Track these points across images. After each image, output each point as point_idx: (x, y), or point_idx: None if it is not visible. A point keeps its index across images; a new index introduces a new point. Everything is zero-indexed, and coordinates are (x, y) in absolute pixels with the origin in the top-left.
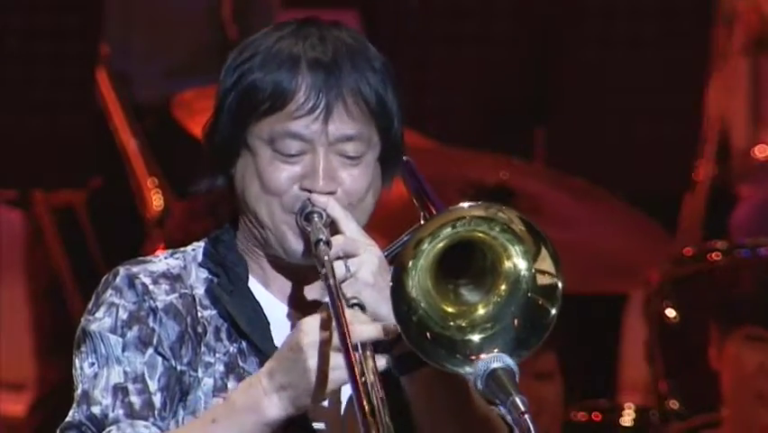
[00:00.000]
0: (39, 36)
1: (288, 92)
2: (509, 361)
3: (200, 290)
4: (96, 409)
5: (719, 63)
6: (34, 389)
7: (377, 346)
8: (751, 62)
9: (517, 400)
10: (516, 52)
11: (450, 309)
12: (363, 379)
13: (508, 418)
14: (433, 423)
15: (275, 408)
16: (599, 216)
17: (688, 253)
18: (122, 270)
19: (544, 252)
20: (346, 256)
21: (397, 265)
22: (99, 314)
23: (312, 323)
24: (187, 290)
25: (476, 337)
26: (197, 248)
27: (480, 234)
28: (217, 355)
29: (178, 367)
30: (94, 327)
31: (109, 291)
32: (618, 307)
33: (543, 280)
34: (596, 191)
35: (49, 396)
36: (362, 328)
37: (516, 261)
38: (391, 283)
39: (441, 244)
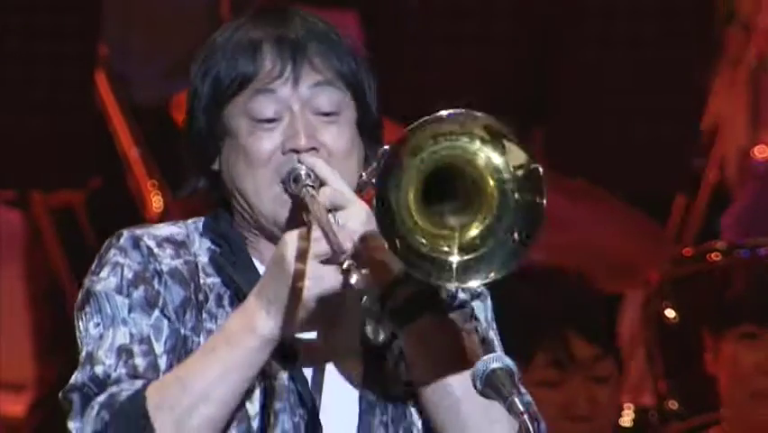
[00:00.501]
0: (38, 36)
1: (254, 68)
2: (508, 361)
3: (204, 258)
4: (98, 370)
5: (728, 66)
6: (34, 389)
7: (371, 305)
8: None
9: (516, 400)
10: (515, 53)
11: (438, 231)
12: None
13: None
14: (429, 376)
15: (268, 323)
16: (598, 216)
17: (687, 254)
18: (125, 232)
19: (509, 146)
20: (334, 209)
21: (383, 168)
22: (104, 274)
23: (293, 235)
24: (191, 257)
25: (466, 257)
26: (198, 221)
27: (461, 151)
28: (219, 322)
29: (183, 331)
30: (99, 287)
31: (113, 251)
32: (617, 307)
33: (524, 173)
34: (595, 192)
35: (48, 396)
36: (343, 236)
37: (496, 163)
38: (376, 193)
39: (425, 166)
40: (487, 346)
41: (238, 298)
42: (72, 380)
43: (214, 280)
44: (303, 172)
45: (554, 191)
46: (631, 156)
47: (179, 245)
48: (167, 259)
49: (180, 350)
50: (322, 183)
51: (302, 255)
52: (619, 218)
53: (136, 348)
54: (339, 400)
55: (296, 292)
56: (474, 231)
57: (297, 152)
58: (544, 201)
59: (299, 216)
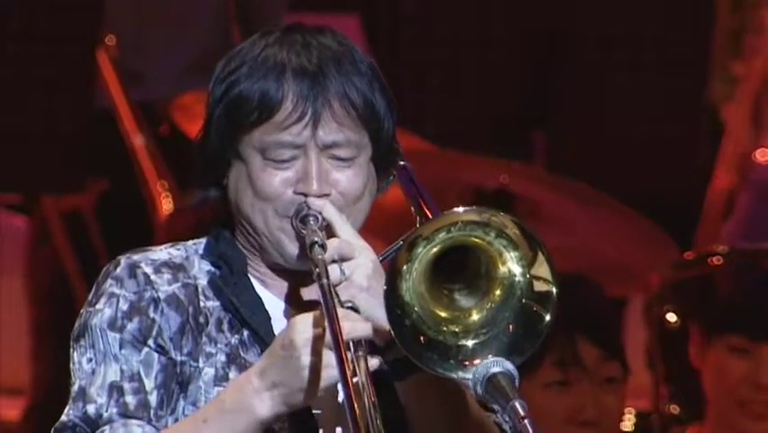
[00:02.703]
0: (38, 38)
1: (275, 101)
2: (509, 365)
3: (203, 281)
4: (90, 409)
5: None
6: (33, 395)
7: (371, 350)
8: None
9: (517, 404)
10: (515, 55)
11: (444, 314)
12: (355, 379)
13: (504, 426)
14: (426, 428)
15: (266, 407)
16: (600, 219)
17: (688, 258)
18: (122, 259)
19: (540, 257)
20: (341, 259)
21: (392, 269)
22: (100, 305)
23: (305, 321)
24: (190, 280)
25: (470, 343)
26: (198, 243)
27: (476, 240)
28: (219, 346)
29: (179, 358)
30: (95, 320)
31: (109, 281)
32: (622, 311)
33: (538, 286)
34: (596, 195)
35: (44, 401)
36: (354, 326)
37: (511, 266)
38: (385, 287)
39: (435, 249)
40: None
41: (238, 321)
42: (64, 416)
43: (213, 303)
44: (311, 216)
45: (556, 194)
46: (633, 158)
47: (178, 269)
48: (164, 285)
49: (171, 383)
50: (329, 226)
51: (314, 342)
52: (621, 222)
53: (127, 385)
54: None
55: (304, 379)
56: (476, 316)
57: (307, 195)
58: (548, 318)
59: (304, 253)
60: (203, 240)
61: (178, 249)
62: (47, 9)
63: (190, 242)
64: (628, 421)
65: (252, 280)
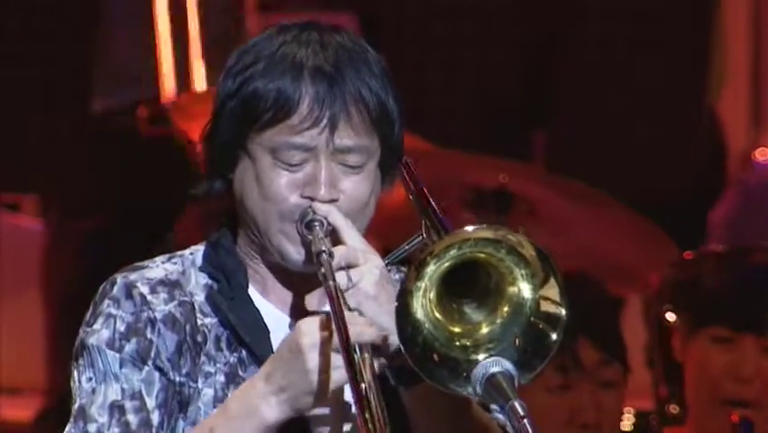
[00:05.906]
0: (36, 38)
1: (291, 102)
2: (508, 365)
3: (200, 297)
4: (91, 428)
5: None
6: (48, 398)
7: (376, 355)
8: (752, 62)
9: (516, 404)
10: (515, 54)
11: (454, 329)
12: (362, 380)
13: (508, 428)
14: None
15: (273, 411)
16: (600, 219)
17: (688, 257)
18: (119, 278)
19: (552, 281)
20: (348, 266)
21: (403, 288)
22: (97, 325)
23: (311, 323)
24: (186, 298)
25: (480, 357)
26: (196, 252)
27: (486, 256)
28: (218, 366)
29: (177, 379)
30: (92, 340)
31: (106, 302)
32: (620, 311)
33: (545, 306)
34: (596, 194)
35: (56, 406)
36: (361, 331)
37: (521, 283)
38: (396, 304)
39: (446, 265)
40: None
41: (236, 339)
42: None
43: (211, 320)
44: (316, 221)
45: (555, 193)
46: (633, 158)
47: (174, 286)
48: (161, 305)
49: (173, 402)
50: (334, 231)
51: (321, 345)
52: (620, 222)
53: (128, 404)
54: None
55: (311, 382)
56: (486, 329)
57: (314, 199)
58: (554, 337)
59: (308, 257)
60: (201, 247)
61: (174, 262)
62: (47, 9)
63: (187, 251)
64: (628, 421)
65: (252, 288)
